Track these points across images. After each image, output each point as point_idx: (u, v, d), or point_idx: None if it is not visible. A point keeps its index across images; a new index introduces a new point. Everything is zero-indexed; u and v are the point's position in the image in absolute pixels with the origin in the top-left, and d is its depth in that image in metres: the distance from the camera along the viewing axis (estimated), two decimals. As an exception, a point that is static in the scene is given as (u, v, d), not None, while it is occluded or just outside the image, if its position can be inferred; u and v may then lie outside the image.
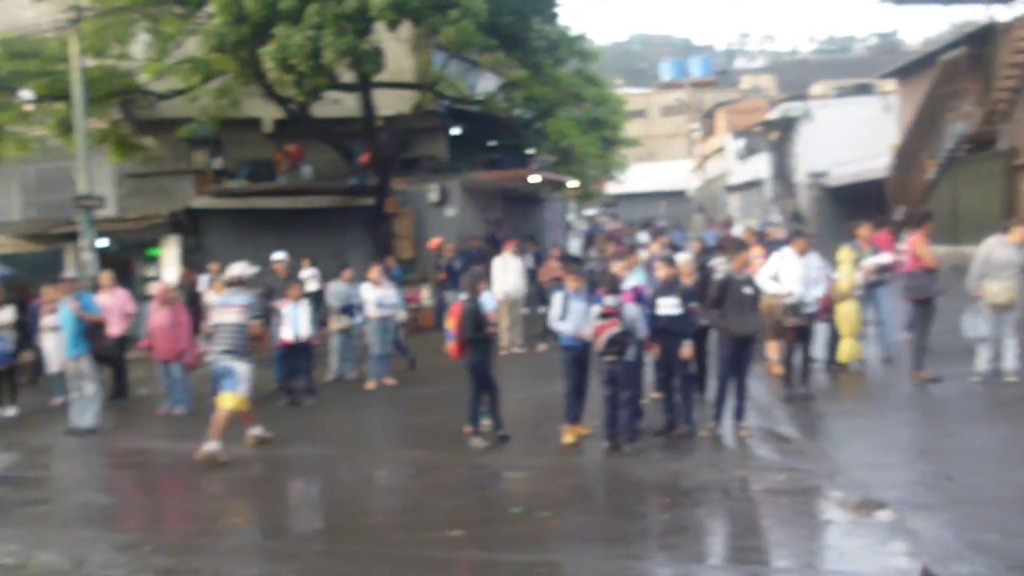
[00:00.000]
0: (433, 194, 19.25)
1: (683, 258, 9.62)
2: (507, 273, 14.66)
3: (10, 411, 12.05)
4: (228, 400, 8.76)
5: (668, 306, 8.42)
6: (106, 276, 12.91)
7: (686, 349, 8.37)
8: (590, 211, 44.81)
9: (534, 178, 20.97)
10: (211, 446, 8.54)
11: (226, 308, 9.01)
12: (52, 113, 17.54)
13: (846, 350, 10.79)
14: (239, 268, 9.29)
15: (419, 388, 11.94)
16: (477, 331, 8.59)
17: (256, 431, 9.34)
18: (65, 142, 17.83)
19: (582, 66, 27.04)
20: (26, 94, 16.64)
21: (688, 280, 8.99)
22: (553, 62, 16.95)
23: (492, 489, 7.70)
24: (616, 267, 9.35)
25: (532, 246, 18.38)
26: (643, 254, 11.38)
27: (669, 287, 8.54)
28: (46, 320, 12.12)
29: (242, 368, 8.85)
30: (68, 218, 18.67)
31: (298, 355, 11.57)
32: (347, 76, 15.47)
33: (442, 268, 16.10)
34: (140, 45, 17.02)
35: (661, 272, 8.75)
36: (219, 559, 5.95)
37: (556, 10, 16.09)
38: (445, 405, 10.65)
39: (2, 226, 22.08)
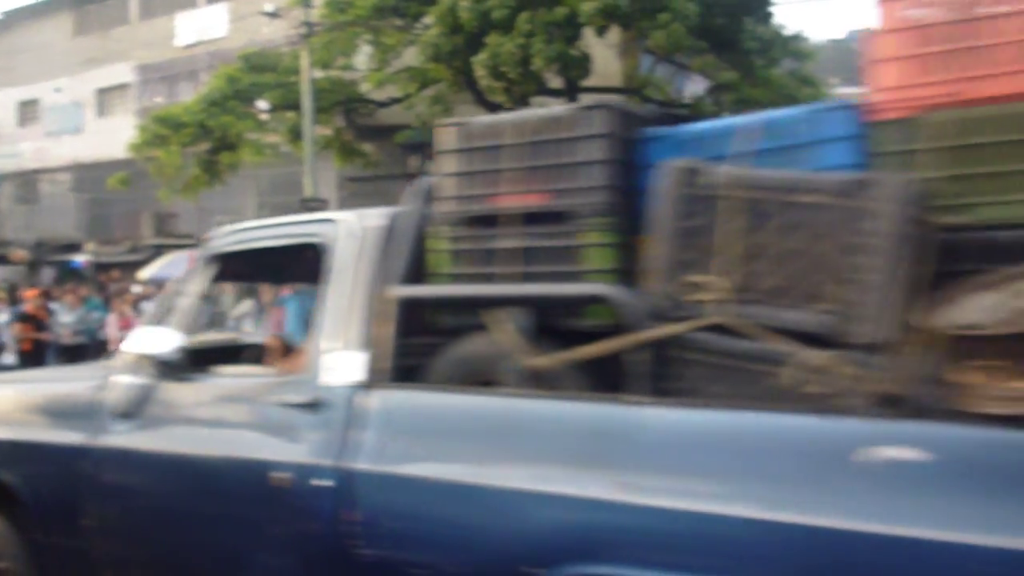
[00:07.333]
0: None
1: None
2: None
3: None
4: None
5: None
6: None
7: None
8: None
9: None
10: None
11: None
12: (284, 121, 18.95)
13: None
14: None
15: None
16: None
17: None
18: (295, 148, 19.24)
19: (797, 66, 25.95)
20: (262, 104, 18.06)
21: None
22: (766, 63, 16.42)
23: None
24: None
25: None
26: None
27: None
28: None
29: None
30: (295, 219, 20.03)
31: None
32: (555, 82, 15.66)
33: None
34: (363, 57, 18.06)
35: None
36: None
37: (771, 9, 15.59)
38: None
39: (239, 225, 24.06)
